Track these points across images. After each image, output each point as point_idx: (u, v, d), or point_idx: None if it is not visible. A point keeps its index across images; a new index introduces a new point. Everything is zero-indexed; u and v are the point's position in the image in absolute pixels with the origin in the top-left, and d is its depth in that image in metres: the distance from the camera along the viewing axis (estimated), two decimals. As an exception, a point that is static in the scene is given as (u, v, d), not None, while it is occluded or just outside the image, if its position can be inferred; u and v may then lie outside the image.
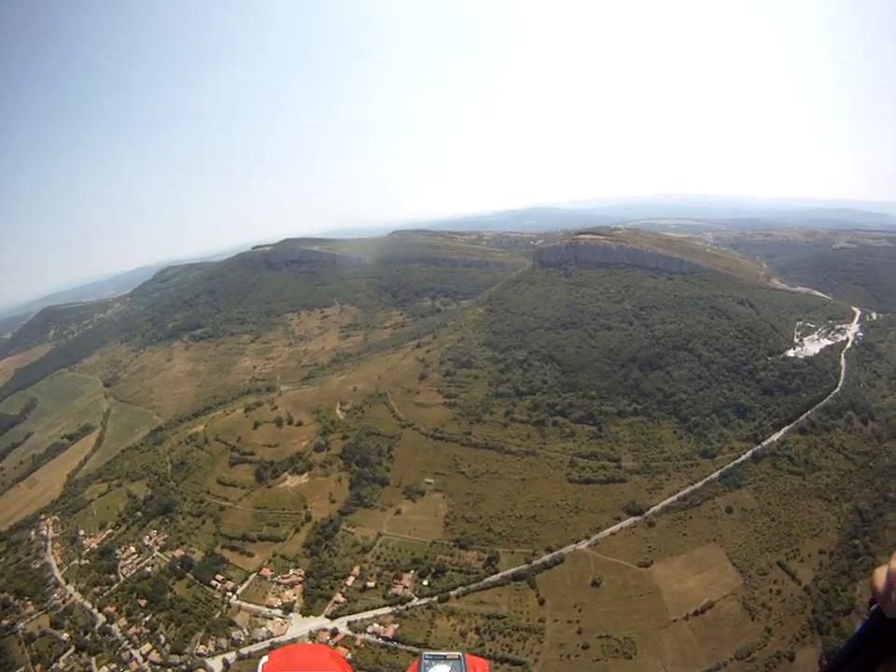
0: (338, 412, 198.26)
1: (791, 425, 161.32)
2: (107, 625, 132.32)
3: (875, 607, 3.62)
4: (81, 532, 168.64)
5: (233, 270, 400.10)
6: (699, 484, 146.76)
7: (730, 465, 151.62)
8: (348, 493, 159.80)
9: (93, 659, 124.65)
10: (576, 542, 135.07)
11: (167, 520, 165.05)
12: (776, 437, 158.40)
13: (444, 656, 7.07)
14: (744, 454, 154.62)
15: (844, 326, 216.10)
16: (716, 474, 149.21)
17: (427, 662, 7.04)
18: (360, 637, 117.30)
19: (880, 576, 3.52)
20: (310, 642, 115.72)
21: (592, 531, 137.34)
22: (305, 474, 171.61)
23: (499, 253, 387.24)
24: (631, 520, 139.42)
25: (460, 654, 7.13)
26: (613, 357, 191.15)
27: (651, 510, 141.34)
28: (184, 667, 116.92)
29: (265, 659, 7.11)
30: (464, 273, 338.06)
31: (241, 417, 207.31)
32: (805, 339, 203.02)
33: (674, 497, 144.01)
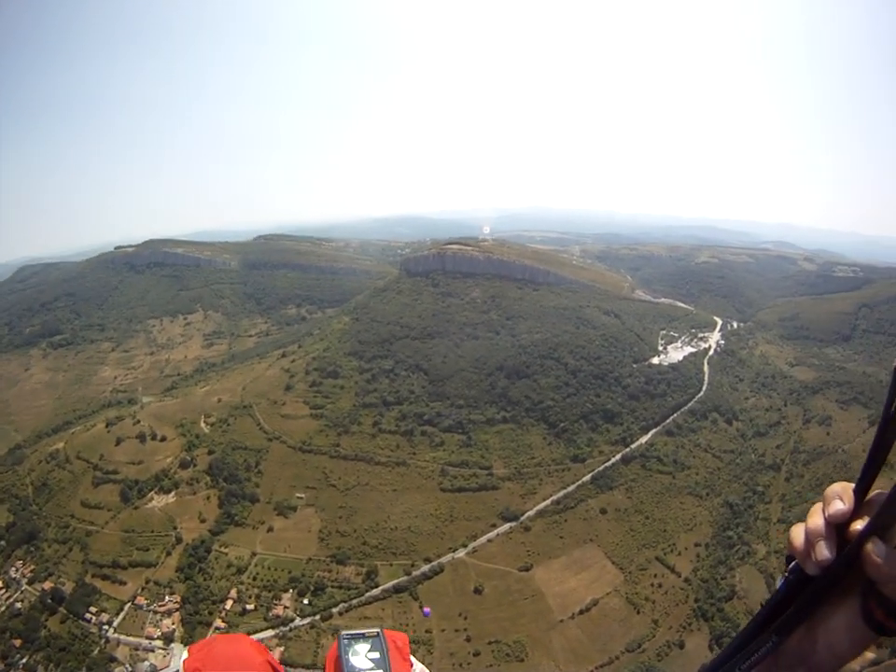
0: (203, 425, 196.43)
1: (659, 427, 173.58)
2: None
3: (793, 564, 3.73)
4: None
5: (94, 271, 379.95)
6: (572, 488, 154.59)
7: (601, 468, 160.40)
8: (218, 511, 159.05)
9: None
10: (454, 551, 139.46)
11: (32, 548, 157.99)
12: (644, 439, 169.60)
13: (363, 634, 6.77)
14: (614, 457, 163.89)
15: (706, 334, 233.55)
16: (587, 477, 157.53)
17: (346, 642, 6.69)
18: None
19: (798, 533, 3.68)
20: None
21: (469, 539, 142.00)
22: (172, 493, 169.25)
23: (366, 261, 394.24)
24: (507, 526, 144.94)
25: (378, 630, 6.88)
26: (480, 367, 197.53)
27: (526, 514, 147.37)
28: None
29: (185, 654, 6.60)
30: (330, 280, 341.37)
31: (102, 432, 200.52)
32: (669, 347, 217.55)
33: (548, 502, 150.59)
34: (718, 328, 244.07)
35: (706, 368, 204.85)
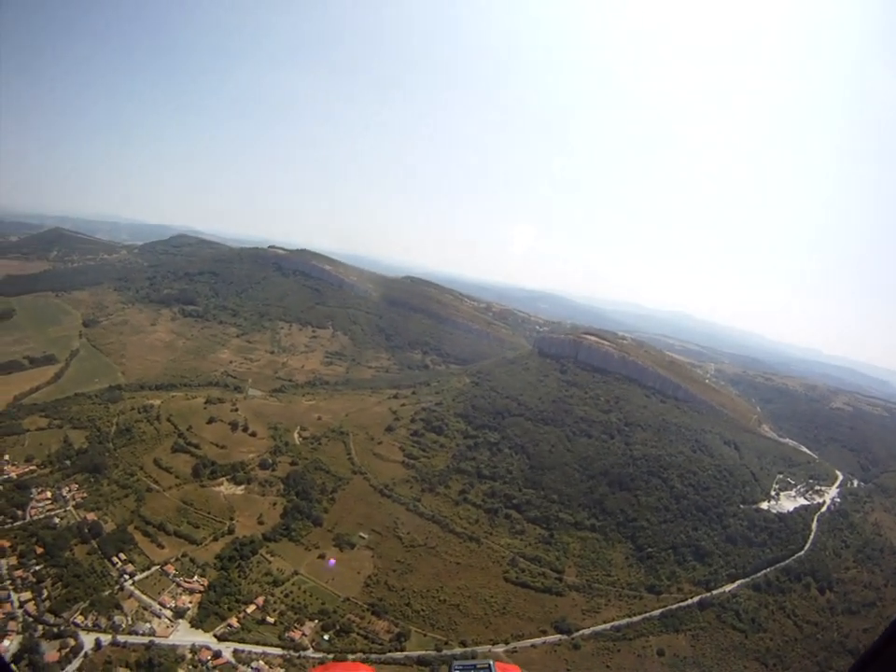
0: (295, 435, 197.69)
1: (748, 579, 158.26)
2: None
3: None
4: (6, 457, 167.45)
5: (243, 261, 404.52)
6: (637, 618, 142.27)
7: (674, 606, 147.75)
8: (279, 520, 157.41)
9: None
10: (493, 644, 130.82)
11: (92, 479, 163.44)
12: (728, 588, 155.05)
13: (475, 665, 7.29)
14: (692, 598, 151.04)
15: (823, 488, 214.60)
16: (657, 612, 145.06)
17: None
18: (241, 668, 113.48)
19: None
20: (208, 656, 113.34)
21: (513, 637, 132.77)
22: (242, 486, 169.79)
23: (503, 328, 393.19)
24: (557, 637, 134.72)
25: (490, 662, 7.37)
26: (585, 466, 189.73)
27: (581, 632, 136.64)
28: (55, 630, 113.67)
29: None
30: (462, 337, 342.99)
31: (199, 407, 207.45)
32: (781, 493, 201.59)
33: (607, 625, 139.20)
34: (837, 483, 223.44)
35: (814, 525, 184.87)
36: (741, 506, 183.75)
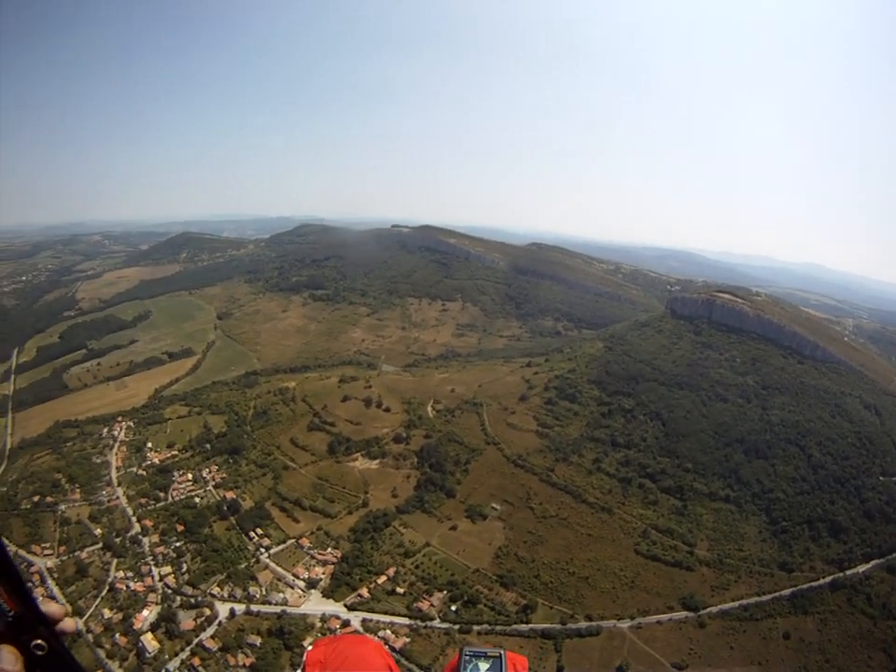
0: (429, 409, 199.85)
1: (883, 559, 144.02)
2: (139, 536, 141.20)
3: None
4: (149, 445, 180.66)
5: (367, 242, 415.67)
6: (766, 598, 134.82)
7: (805, 585, 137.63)
8: (412, 492, 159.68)
9: (115, 561, 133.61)
10: (618, 619, 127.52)
11: (231, 460, 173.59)
12: (862, 569, 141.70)
13: (485, 653, 7.37)
14: (824, 577, 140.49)
15: None
16: (787, 592, 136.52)
17: (467, 658, 7.35)
18: (368, 637, 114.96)
19: None
20: (337, 625, 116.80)
21: (639, 613, 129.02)
22: (377, 461, 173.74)
23: (633, 290, 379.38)
24: (683, 614, 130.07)
25: (501, 651, 7.38)
26: (721, 433, 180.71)
27: (708, 609, 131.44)
28: (193, 601, 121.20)
29: (310, 647, 7.46)
30: (593, 301, 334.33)
31: (333, 386, 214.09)
32: None
33: (736, 604, 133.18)
34: None
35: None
36: (881, 478, 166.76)
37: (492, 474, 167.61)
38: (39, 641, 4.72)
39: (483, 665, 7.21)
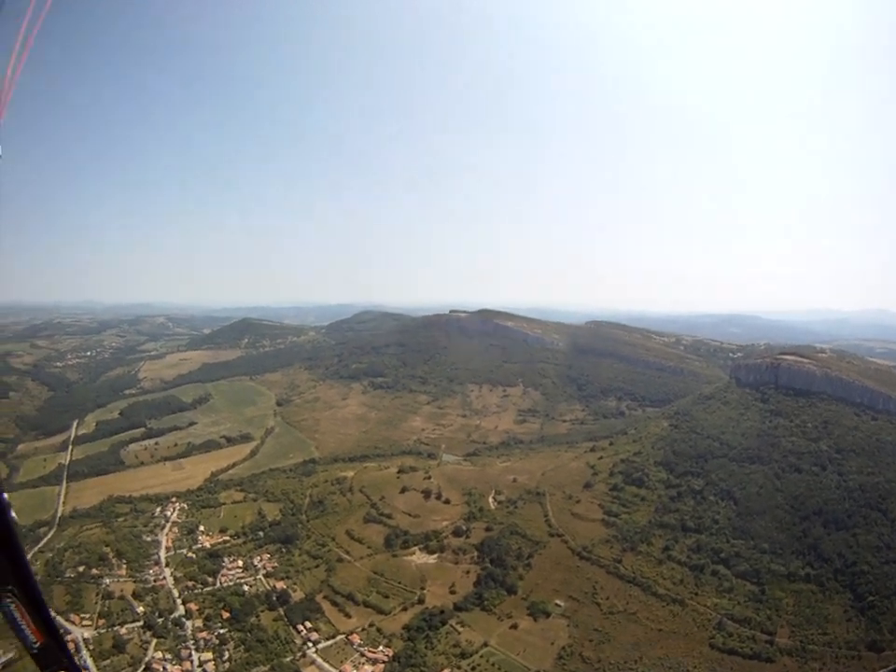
0: (490, 500, 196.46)
1: None
2: (183, 619, 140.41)
3: None
4: (201, 528, 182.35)
5: (427, 328, 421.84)
6: None
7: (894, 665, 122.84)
8: (471, 589, 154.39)
9: (154, 641, 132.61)
10: None
11: (284, 549, 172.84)
12: None
13: None
14: None
15: None
16: None
17: None
18: None
19: None
20: None
21: None
22: (435, 555, 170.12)
23: (696, 361, 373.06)
24: None
25: None
26: (797, 507, 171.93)
27: None
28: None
29: None
30: (656, 377, 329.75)
31: (392, 477, 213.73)
32: None
33: None
34: None
35: None
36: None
37: (556, 568, 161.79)
38: None
39: None
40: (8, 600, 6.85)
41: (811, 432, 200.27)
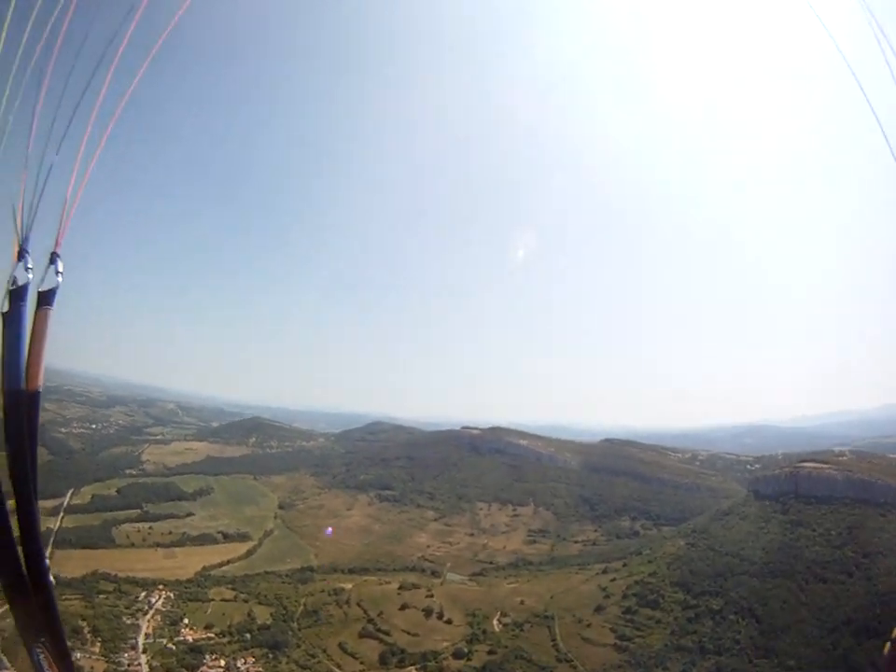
0: (495, 622, 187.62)
1: None
2: None
3: None
4: (185, 620, 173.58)
5: (438, 443, 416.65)
6: None
7: None
8: None
9: None
10: None
11: (271, 655, 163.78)
12: None
13: None
14: None
15: None
16: None
17: None
18: None
19: None
20: None
21: None
22: None
23: (712, 476, 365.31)
24: None
25: None
26: (824, 618, 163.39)
27: None
28: None
29: None
30: (671, 494, 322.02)
31: (392, 593, 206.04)
32: None
33: None
34: None
35: None
36: None
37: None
38: None
39: None
40: (39, 650, 7.45)
41: (835, 539, 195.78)
